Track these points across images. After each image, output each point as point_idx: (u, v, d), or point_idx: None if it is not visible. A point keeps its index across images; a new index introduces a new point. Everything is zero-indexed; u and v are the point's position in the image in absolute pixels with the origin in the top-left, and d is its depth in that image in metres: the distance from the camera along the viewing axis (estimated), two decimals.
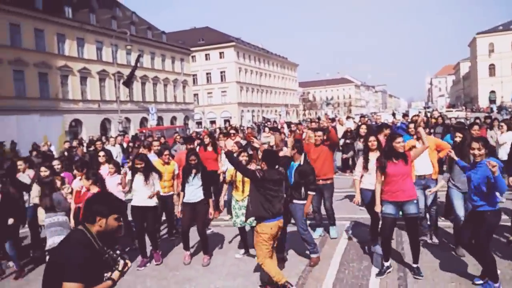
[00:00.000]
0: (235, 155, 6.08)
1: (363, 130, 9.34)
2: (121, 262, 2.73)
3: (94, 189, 5.94)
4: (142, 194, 6.42)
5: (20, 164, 7.99)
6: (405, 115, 17.29)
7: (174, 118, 53.84)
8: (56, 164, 7.78)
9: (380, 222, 5.67)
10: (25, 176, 7.80)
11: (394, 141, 5.27)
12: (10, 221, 6.25)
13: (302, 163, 6.06)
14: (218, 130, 25.92)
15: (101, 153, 7.70)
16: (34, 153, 13.98)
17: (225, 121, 67.17)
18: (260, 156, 5.82)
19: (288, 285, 4.82)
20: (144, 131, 31.29)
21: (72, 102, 38.31)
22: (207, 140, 9.21)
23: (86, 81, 40.29)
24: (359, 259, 6.08)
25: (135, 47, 42.58)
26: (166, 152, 7.54)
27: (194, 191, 6.36)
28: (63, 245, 2.71)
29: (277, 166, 5.16)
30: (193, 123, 59.02)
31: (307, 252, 6.06)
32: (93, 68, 40.70)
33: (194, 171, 6.36)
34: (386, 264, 5.42)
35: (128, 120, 44.12)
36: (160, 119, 47.95)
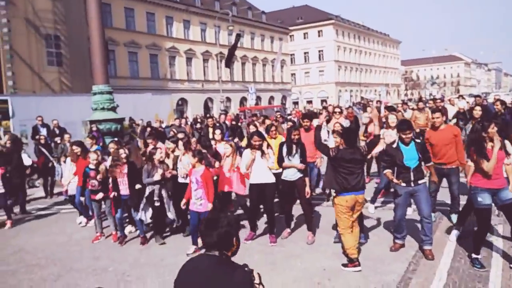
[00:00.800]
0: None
1: (477, 112, 8.41)
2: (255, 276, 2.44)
3: (200, 167, 6.20)
4: (261, 171, 6.45)
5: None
6: None
7: (272, 98, 54.55)
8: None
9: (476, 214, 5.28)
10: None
11: (489, 128, 4.98)
12: (137, 186, 6.80)
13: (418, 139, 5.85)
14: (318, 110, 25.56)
15: (217, 131, 8.04)
16: (148, 129, 15.20)
17: (322, 101, 66.33)
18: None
19: (356, 263, 5.14)
20: (244, 110, 32.16)
21: (178, 82, 40.72)
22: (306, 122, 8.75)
23: (191, 62, 42.46)
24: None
25: (236, 27, 43.59)
26: (273, 128, 7.64)
27: (293, 169, 6.37)
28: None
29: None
30: (290, 103, 59.20)
31: (422, 240, 5.65)
32: (197, 49, 42.68)
33: (295, 148, 6.36)
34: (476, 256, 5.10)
35: (228, 99, 45.71)
36: (258, 98, 48.88)
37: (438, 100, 12.94)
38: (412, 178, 5.44)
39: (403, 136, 5.50)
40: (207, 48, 43.72)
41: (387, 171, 5.58)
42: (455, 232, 6.08)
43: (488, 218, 5.11)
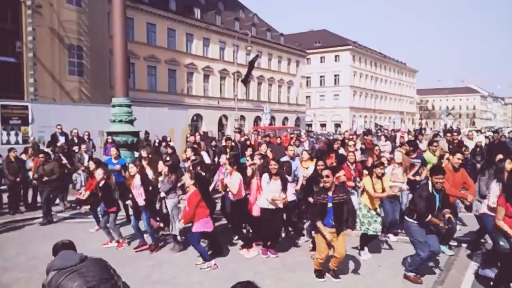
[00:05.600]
0: None
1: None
2: None
3: (192, 189, 6.52)
4: (273, 195, 6.72)
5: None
6: None
7: (285, 119, 54.73)
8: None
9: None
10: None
11: None
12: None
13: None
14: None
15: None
16: (164, 143, 15.32)
17: (336, 124, 66.31)
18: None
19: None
20: (257, 129, 32.28)
21: (195, 97, 41.16)
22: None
23: (208, 79, 42.98)
24: None
25: (254, 48, 44.13)
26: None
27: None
28: None
29: None
30: (304, 125, 59.30)
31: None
32: (215, 67, 43.22)
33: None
34: None
35: (243, 117, 45.94)
36: (272, 118, 49.07)
37: (455, 134, 12.70)
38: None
39: (437, 181, 5.52)
40: (224, 66, 44.26)
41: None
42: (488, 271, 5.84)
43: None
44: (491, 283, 5.22)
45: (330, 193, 5.61)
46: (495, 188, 5.76)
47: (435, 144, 9.32)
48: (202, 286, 5.77)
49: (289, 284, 5.84)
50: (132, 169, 7.33)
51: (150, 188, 7.48)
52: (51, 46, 26.33)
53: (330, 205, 5.58)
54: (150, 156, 8.84)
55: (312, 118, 67.16)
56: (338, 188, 5.77)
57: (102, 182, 7.50)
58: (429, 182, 5.67)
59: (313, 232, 5.85)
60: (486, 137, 15.09)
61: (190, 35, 40.75)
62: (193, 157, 8.62)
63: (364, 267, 6.41)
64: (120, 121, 13.40)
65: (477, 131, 17.65)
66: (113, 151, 9.87)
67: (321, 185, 5.68)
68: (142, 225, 7.53)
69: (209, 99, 42.88)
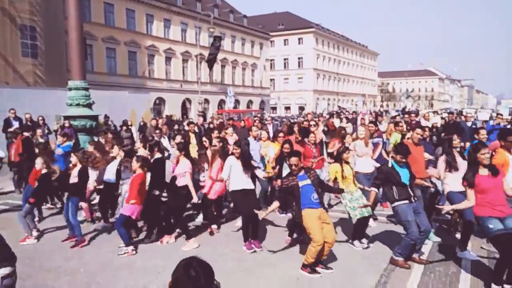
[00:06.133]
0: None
1: (484, 135, 7.92)
2: None
3: (139, 171, 6.49)
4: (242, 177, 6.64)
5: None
6: (499, 113, 15.96)
7: (250, 102, 54.66)
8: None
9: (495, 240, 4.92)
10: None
11: (479, 152, 4.94)
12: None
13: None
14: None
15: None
16: (124, 128, 14.98)
17: (300, 107, 66.86)
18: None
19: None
20: (222, 112, 32.10)
21: (157, 81, 40.29)
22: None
23: (170, 61, 42.12)
24: (446, 263, 5.80)
25: (217, 29, 43.47)
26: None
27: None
28: None
29: None
30: (268, 108, 59.45)
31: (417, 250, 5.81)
32: (177, 49, 42.37)
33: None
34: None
35: (207, 101, 45.49)
36: (237, 102, 48.87)
37: (413, 115, 13.16)
38: (411, 194, 5.62)
39: (399, 159, 5.67)
40: (187, 48, 43.46)
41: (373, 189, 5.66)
42: (467, 253, 5.96)
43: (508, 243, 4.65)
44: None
45: (301, 173, 5.65)
46: (441, 164, 6.21)
47: (400, 124, 9.64)
48: (164, 270, 5.74)
49: (252, 265, 5.88)
50: (73, 158, 7.03)
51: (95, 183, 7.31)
52: (1, 27, 24.90)
53: (307, 182, 5.58)
54: (108, 140, 8.60)
55: (277, 101, 67.38)
56: (307, 168, 5.89)
57: (43, 172, 7.07)
58: (390, 160, 5.85)
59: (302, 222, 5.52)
60: (442, 118, 15.68)
61: (150, 16, 39.64)
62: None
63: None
64: (78, 104, 12.88)
65: (433, 112, 18.24)
66: (59, 138, 9.68)
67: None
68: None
69: (172, 82, 42.11)
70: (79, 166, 6.96)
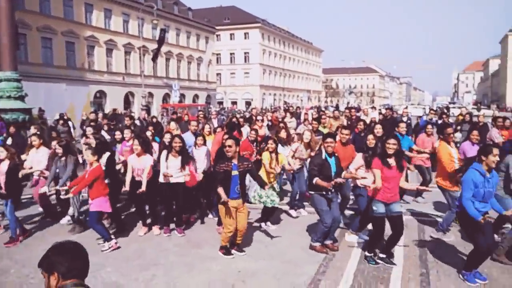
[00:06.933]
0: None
1: (403, 128, 8.46)
2: None
3: (95, 165, 6.29)
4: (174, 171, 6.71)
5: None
6: (432, 109, 16.93)
7: (196, 96, 54.03)
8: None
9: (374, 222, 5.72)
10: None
11: (387, 142, 5.32)
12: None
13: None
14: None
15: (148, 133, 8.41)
16: (61, 122, 14.27)
17: (247, 102, 67.13)
18: None
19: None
20: (167, 107, 31.47)
21: (97, 73, 38.67)
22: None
23: (111, 53, 40.57)
24: (381, 252, 6.05)
25: (161, 21, 42.48)
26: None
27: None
28: None
29: None
30: (215, 102, 59.12)
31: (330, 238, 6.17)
32: (119, 41, 40.91)
33: None
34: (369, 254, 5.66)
35: (151, 95, 44.39)
36: (182, 96, 48.15)
37: (353, 110, 13.66)
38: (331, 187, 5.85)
39: (327, 145, 5.85)
40: (129, 40, 42.07)
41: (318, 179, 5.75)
42: (354, 237, 6.49)
43: (383, 225, 5.57)
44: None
45: (235, 161, 5.69)
46: (359, 159, 6.48)
47: (323, 117, 10.62)
48: (103, 267, 5.55)
49: (194, 259, 5.84)
50: (2, 153, 6.55)
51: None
52: None
53: (235, 172, 5.67)
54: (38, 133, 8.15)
55: (223, 95, 67.17)
56: (242, 158, 5.94)
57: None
58: (322, 149, 5.98)
59: (219, 206, 5.80)
60: (380, 113, 16.39)
61: (89, 5, 37.89)
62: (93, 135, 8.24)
63: (266, 237, 6.66)
64: (9, 97, 12.20)
65: (372, 107, 19.03)
66: None
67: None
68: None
69: (113, 75, 40.62)
70: (7, 162, 6.53)
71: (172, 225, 7.01)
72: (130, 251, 6.22)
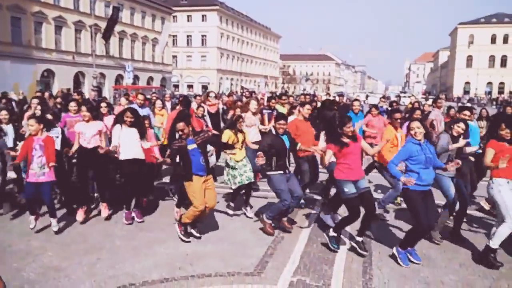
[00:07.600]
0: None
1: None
2: None
3: (44, 135, 5.94)
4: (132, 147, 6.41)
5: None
6: (384, 96, 17.54)
7: (150, 79, 52.74)
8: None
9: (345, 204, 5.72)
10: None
11: (345, 126, 5.35)
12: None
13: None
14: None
15: (103, 104, 7.81)
16: (3, 100, 13.50)
17: (203, 86, 66.34)
18: None
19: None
20: (119, 88, 30.52)
21: (45, 51, 36.72)
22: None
23: (61, 31, 38.63)
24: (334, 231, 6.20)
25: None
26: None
27: None
28: None
29: None
30: (170, 85, 57.98)
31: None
32: (69, 18, 38.99)
33: None
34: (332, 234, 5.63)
35: (103, 75, 42.83)
36: (136, 78, 46.85)
37: (307, 96, 14.14)
38: (287, 166, 5.96)
39: (279, 127, 5.97)
40: (80, 17, 40.17)
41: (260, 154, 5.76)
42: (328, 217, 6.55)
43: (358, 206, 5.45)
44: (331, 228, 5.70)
45: (190, 137, 5.62)
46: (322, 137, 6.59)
47: (283, 98, 11.36)
48: (44, 251, 5.35)
49: (141, 243, 5.74)
50: None
51: None
52: None
53: (194, 146, 5.57)
54: None
55: (179, 78, 65.99)
56: (196, 132, 5.86)
57: None
58: (272, 128, 6.16)
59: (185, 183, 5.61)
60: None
61: None
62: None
63: (218, 219, 6.66)
64: None
65: (326, 94, 19.42)
66: None
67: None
68: None
69: (63, 54, 38.73)
70: None
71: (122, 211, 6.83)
72: (74, 234, 6.03)
